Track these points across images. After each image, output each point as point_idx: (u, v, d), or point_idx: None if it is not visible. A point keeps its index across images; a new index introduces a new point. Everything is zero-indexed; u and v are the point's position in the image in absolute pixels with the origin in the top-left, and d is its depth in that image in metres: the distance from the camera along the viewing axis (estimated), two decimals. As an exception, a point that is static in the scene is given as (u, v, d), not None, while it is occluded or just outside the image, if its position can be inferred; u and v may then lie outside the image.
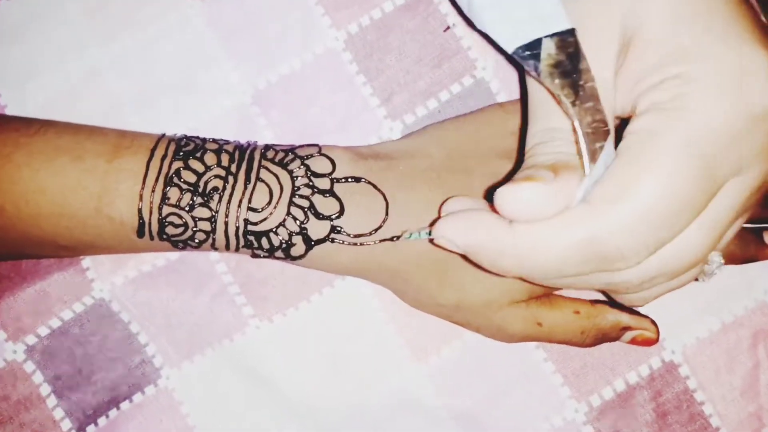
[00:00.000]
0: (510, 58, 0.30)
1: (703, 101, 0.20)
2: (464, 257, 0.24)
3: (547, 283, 0.24)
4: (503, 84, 0.32)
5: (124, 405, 0.31)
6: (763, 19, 0.23)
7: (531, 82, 0.24)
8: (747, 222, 0.30)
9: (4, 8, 0.32)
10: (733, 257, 0.30)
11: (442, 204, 0.26)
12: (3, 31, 0.32)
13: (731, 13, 0.21)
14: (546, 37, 0.21)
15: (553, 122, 0.23)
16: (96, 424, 0.30)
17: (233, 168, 0.27)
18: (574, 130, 0.21)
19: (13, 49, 0.32)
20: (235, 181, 0.27)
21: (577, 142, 0.22)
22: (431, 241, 0.24)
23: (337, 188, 0.28)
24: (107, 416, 0.30)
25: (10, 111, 0.32)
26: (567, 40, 0.21)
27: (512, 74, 0.32)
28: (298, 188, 0.27)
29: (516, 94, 0.32)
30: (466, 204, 0.25)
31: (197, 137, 0.29)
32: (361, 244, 0.27)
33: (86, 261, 0.31)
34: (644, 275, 0.22)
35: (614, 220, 0.20)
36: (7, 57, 0.32)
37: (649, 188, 0.20)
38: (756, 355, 0.31)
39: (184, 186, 0.27)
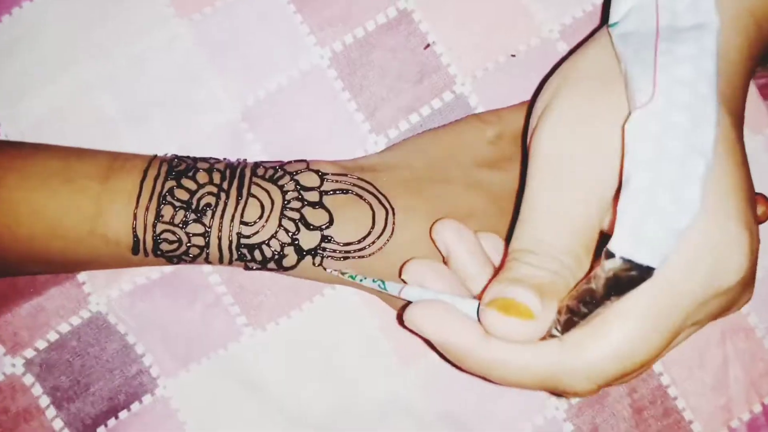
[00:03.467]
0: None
1: (682, 272, 0.21)
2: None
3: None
4: (481, 99, 0.33)
5: (123, 414, 0.31)
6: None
7: (540, 180, 0.24)
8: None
9: (-3, 29, 0.33)
10: None
11: (403, 265, 0.27)
12: (-5, 50, 0.33)
13: (726, 188, 0.22)
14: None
15: (547, 236, 0.23)
16: (95, 434, 0.31)
17: (225, 185, 0.28)
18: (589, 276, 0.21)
19: (5, 67, 0.33)
20: (227, 196, 0.28)
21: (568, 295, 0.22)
22: (399, 316, 0.25)
23: (326, 200, 0.29)
24: (106, 425, 0.31)
25: (3, 128, 0.32)
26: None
27: (490, 89, 0.33)
28: (289, 202, 0.28)
29: (493, 107, 0.33)
30: (429, 274, 0.26)
31: (188, 157, 0.29)
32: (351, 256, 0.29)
33: (82, 275, 0.32)
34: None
35: (578, 368, 0.22)
36: (0, 75, 0.33)
37: (614, 345, 0.21)
38: (724, 351, 0.33)
39: (177, 204, 0.27)
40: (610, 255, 0.20)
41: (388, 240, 0.29)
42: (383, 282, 0.27)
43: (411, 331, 0.25)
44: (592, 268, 0.23)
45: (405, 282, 0.27)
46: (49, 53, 0.33)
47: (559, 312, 0.22)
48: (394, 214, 0.29)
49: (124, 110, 0.33)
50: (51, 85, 0.32)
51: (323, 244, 0.28)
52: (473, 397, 0.32)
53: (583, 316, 0.21)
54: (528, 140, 0.26)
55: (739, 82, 0.25)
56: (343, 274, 0.29)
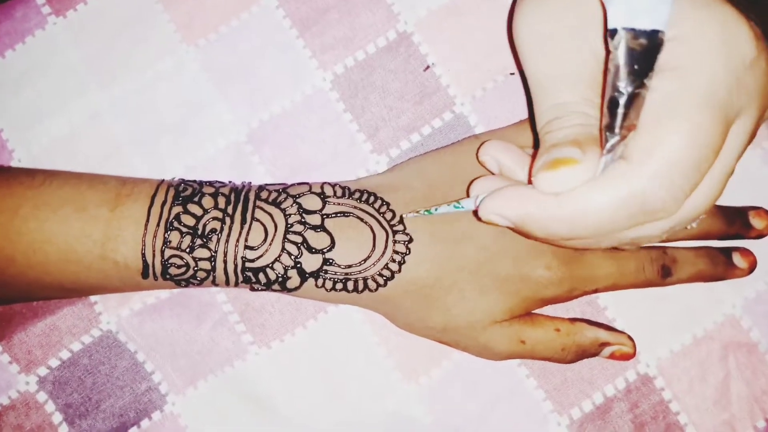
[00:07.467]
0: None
1: (705, 58, 0.22)
2: (512, 229, 0.26)
3: (593, 242, 0.25)
4: (481, 118, 0.34)
5: (133, 430, 0.32)
6: None
7: (535, 61, 0.26)
8: (718, 239, 0.32)
9: (10, 58, 0.34)
10: (703, 276, 0.32)
11: (470, 183, 0.28)
12: (9, 79, 0.34)
13: None
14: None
15: (563, 97, 0.25)
16: (106, 450, 0.32)
17: (229, 209, 0.29)
18: (604, 101, 0.22)
19: (18, 96, 0.34)
20: (232, 221, 0.29)
21: (602, 114, 0.23)
22: (476, 214, 0.26)
23: (328, 223, 0.29)
24: (117, 442, 0.32)
25: (17, 154, 0.33)
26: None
27: (489, 109, 0.34)
28: (291, 225, 0.29)
29: (493, 127, 0.33)
30: (495, 182, 0.28)
31: (194, 181, 0.30)
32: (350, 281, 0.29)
33: (94, 296, 0.33)
34: (672, 225, 0.24)
35: (653, 171, 0.22)
36: (14, 104, 0.34)
37: (679, 139, 0.22)
38: (726, 367, 0.33)
39: (184, 229, 0.28)
40: (613, 34, 0.21)
41: (388, 262, 0.29)
42: (458, 202, 0.28)
43: (487, 222, 0.26)
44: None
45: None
46: (60, 80, 0.34)
47: (602, 146, 0.23)
48: (395, 235, 0.30)
49: (133, 135, 0.34)
50: (63, 110, 0.34)
51: (325, 267, 0.29)
52: (476, 411, 0.33)
53: (624, 123, 0.22)
54: (511, 36, 0.27)
55: None
56: (417, 212, 0.29)
